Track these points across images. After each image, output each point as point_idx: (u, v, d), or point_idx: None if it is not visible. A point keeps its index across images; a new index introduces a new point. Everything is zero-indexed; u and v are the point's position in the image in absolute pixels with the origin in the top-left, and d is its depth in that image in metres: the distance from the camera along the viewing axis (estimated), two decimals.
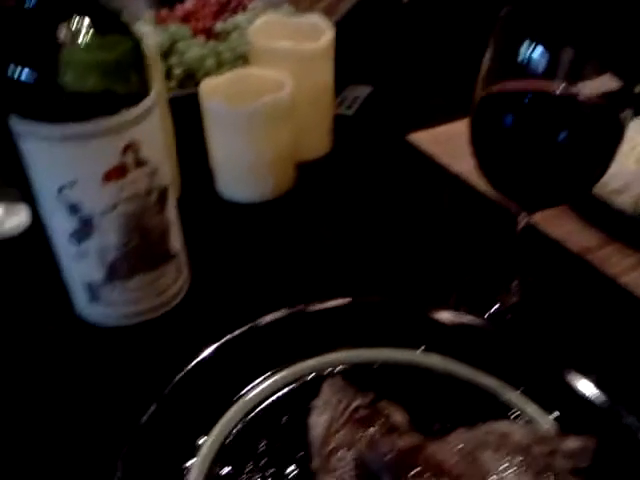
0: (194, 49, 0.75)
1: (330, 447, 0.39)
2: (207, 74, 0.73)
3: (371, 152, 0.77)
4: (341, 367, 0.46)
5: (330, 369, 0.46)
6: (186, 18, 0.85)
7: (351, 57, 0.80)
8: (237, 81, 0.66)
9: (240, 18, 0.82)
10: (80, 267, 0.43)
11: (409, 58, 0.93)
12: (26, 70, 0.36)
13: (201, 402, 0.43)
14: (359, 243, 0.62)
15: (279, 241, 0.62)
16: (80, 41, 0.36)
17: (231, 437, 0.42)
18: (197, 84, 0.71)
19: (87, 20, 0.36)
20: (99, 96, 0.37)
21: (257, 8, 0.86)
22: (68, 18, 0.36)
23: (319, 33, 0.68)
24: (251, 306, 0.50)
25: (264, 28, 0.70)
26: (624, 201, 0.60)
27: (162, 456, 0.40)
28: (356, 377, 0.44)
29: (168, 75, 0.74)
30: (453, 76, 0.88)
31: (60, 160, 0.38)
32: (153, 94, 0.40)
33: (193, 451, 0.41)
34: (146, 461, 0.39)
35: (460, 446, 0.37)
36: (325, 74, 0.70)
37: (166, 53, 0.75)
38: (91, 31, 0.36)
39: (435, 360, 0.46)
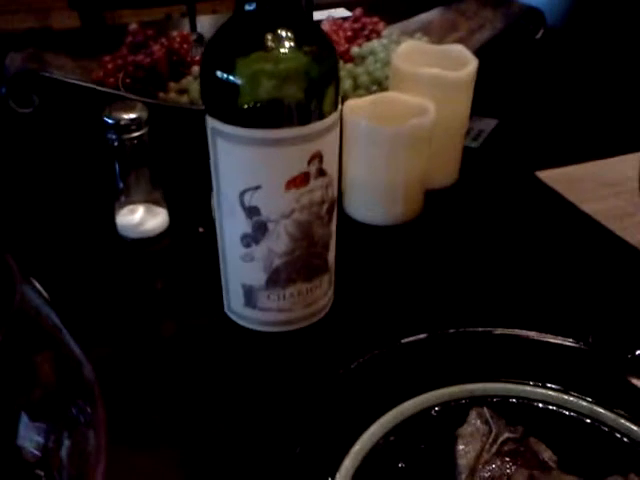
0: None
1: (480, 477, 0.39)
2: (343, 96, 0.75)
3: (497, 185, 0.76)
4: (484, 396, 0.46)
5: (469, 399, 0.46)
6: None
7: (479, 89, 0.80)
8: (379, 104, 0.67)
9: (376, 43, 0.84)
10: (243, 270, 0.44)
11: (537, 93, 0.92)
12: (228, 74, 0.38)
13: (343, 418, 0.43)
14: (488, 274, 0.61)
15: (410, 264, 0.63)
16: (286, 51, 0.38)
17: (369, 456, 0.42)
18: None
19: (291, 32, 0.38)
20: (294, 106, 0.39)
21: (392, 35, 0.88)
22: (278, 28, 0.38)
23: (462, 62, 0.69)
24: (389, 326, 0.50)
25: (407, 54, 0.71)
26: None
27: (305, 470, 0.40)
28: (502, 411, 0.44)
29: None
30: (580, 116, 0.87)
31: (249, 164, 0.40)
32: (340, 107, 0.41)
33: (336, 467, 0.41)
34: (290, 474, 0.39)
35: None
36: (464, 104, 0.70)
37: None
38: (294, 43, 0.38)
39: (582, 404, 0.45)
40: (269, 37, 0.38)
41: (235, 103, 0.39)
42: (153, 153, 0.64)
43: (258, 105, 0.38)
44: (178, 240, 0.65)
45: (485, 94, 0.90)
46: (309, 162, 0.40)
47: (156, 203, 0.66)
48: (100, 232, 0.65)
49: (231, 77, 0.38)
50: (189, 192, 0.69)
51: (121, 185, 0.63)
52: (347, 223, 0.68)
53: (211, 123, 0.40)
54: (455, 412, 0.44)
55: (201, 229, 0.53)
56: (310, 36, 0.40)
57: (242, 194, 0.40)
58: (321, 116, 0.39)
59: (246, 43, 0.39)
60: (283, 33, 0.38)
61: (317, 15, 1.11)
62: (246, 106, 0.39)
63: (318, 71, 0.39)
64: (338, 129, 0.42)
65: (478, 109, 0.89)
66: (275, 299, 0.45)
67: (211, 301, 0.50)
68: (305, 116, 0.39)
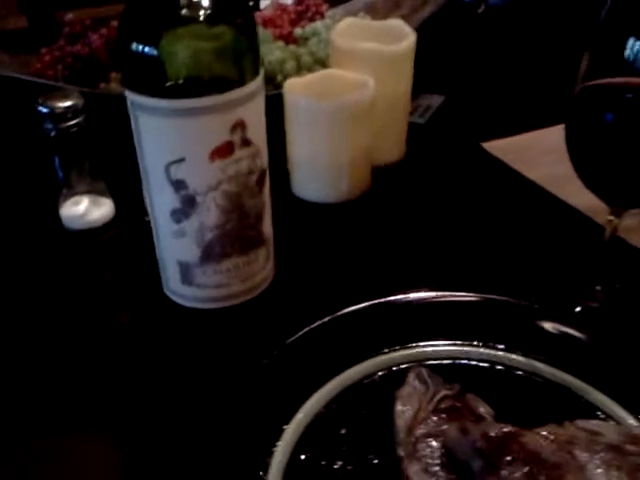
0: (275, 52, 0.77)
1: (416, 435, 0.39)
2: (287, 77, 0.75)
3: (444, 159, 0.77)
4: (424, 361, 0.46)
5: (412, 363, 0.46)
6: (265, 25, 0.87)
7: (424, 66, 0.81)
8: (320, 81, 0.67)
9: (318, 24, 0.84)
10: (177, 246, 0.44)
11: (482, 68, 0.93)
12: (144, 47, 0.38)
13: (285, 388, 0.43)
14: (433, 245, 0.62)
15: (356, 240, 0.63)
16: (198, 22, 0.38)
17: (314, 424, 0.43)
18: (275, 87, 0.73)
19: (208, 2, 0.38)
20: (212, 75, 0.39)
21: (335, 16, 0.88)
22: (191, 1, 0.38)
23: (400, 37, 0.69)
24: (331, 299, 0.50)
25: (346, 31, 0.71)
26: None
27: (248, 440, 0.40)
28: (439, 371, 0.44)
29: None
30: (523, 87, 0.88)
31: (170, 136, 0.39)
32: (260, 77, 0.41)
33: (277, 436, 0.41)
34: (232, 444, 0.40)
35: (553, 438, 0.37)
36: (404, 79, 0.71)
37: None
38: (210, 13, 0.38)
39: (519, 359, 0.46)
40: (184, 8, 0.38)
41: (152, 75, 0.39)
42: (94, 144, 0.63)
43: (176, 76, 0.38)
44: (124, 229, 0.64)
45: (431, 71, 0.91)
46: (232, 131, 0.40)
47: (100, 194, 0.65)
48: (45, 225, 0.64)
49: (147, 50, 0.38)
50: (134, 181, 0.69)
51: (62, 176, 0.63)
52: (295, 203, 0.68)
53: (130, 97, 0.40)
54: (396, 376, 0.45)
55: (147, 218, 0.53)
56: (226, 5, 0.40)
57: (167, 168, 0.40)
58: (241, 83, 0.39)
59: (160, 15, 0.38)
60: (198, 3, 0.38)
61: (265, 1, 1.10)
62: (164, 77, 0.38)
63: (234, 39, 0.39)
64: (261, 97, 0.42)
65: (425, 86, 0.90)
66: (211, 274, 0.45)
67: (152, 283, 0.50)
68: (224, 84, 0.39)
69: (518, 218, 0.66)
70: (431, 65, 0.89)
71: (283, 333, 0.46)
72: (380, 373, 0.46)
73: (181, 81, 0.38)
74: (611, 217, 0.48)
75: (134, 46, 0.38)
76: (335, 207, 0.67)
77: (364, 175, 0.69)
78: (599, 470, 0.36)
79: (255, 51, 0.41)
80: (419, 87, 0.88)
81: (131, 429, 0.44)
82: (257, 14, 0.90)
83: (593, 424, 0.40)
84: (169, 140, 0.40)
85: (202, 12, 0.38)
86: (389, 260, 0.60)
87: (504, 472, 0.34)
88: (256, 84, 0.41)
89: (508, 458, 0.35)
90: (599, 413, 0.43)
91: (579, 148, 0.45)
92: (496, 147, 0.77)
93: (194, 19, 0.38)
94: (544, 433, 0.37)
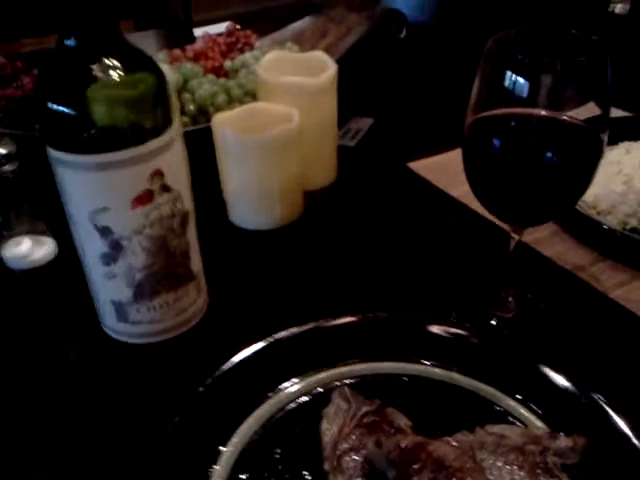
0: (205, 86, 0.80)
1: (340, 450, 0.43)
2: (218, 110, 0.78)
3: (374, 180, 0.81)
4: (349, 380, 0.50)
5: (338, 382, 0.49)
6: (197, 58, 0.90)
7: (353, 91, 0.85)
8: (247, 115, 0.70)
9: (247, 56, 0.87)
10: (109, 287, 0.47)
11: (407, 91, 0.97)
12: (62, 106, 0.40)
13: (221, 413, 0.46)
14: (364, 264, 0.66)
15: (290, 265, 0.66)
16: (110, 79, 0.41)
17: (249, 445, 0.45)
18: (209, 120, 0.76)
19: (116, 60, 0.41)
20: (127, 128, 0.42)
21: (263, 47, 0.91)
22: (99, 58, 0.41)
23: (323, 68, 0.73)
24: (265, 325, 0.53)
25: (271, 64, 0.74)
26: (612, 221, 0.64)
27: (187, 463, 0.43)
28: (363, 388, 0.48)
29: (182, 111, 0.79)
30: (448, 107, 0.93)
31: (93, 187, 0.42)
32: (175, 125, 0.44)
33: (215, 458, 0.44)
34: (172, 468, 0.42)
35: (457, 445, 0.40)
36: (329, 107, 0.74)
37: (179, 90, 0.80)
38: (119, 69, 0.41)
39: (437, 371, 0.50)
40: (96, 67, 0.40)
41: (69, 132, 0.41)
42: (32, 185, 0.65)
43: (92, 132, 0.41)
44: (66, 267, 0.66)
45: (360, 95, 0.96)
46: (150, 180, 0.43)
47: (41, 233, 0.67)
48: None
49: (62, 108, 0.40)
50: None
51: (0, 220, 0.64)
52: (231, 230, 0.71)
53: (51, 153, 0.42)
54: (323, 396, 0.48)
55: None
56: (135, 61, 0.43)
57: (92, 216, 0.43)
58: (155, 135, 0.42)
59: (74, 75, 0.41)
60: (108, 62, 0.41)
61: (197, 32, 1.13)
62: (80, 134, 0.41)
63: (145, 93, 0.42)
64: (178, 145, 0.45)
65: (355, 110, 0.95)
66: (145, 311, 0.48)
67: (92, 320, 0.52)
68: (139, 137, 0.42)
69: (443, 234, 0.70)
70: (359, 89, 0.94)
71: (216, 361, 0.49)
72: (308, 395, 0.49)
73: (95, 136, 0.41)
74: (512, 234, 0.52)
75: (50, 105, 0.41)
76: (269, 233, 0.70)
77: (296, 201, 0.73)
78: (501, 470, 0.40)
79: (167, 102, 0.43)
80: (349, 111, 0.92)
81: (72, 460, 0.46)
82: (189, 47, 0.93)
83: (501, 428, 0.44)
84: (91, 191, 0.42)
85: (114, 70, 0.41)
86: (320, 284, 0.63)
87: (414, 479, 0.38)
88: (170, 134, 0.44)
89: (416, 466, 0.38)
90: (509, 418, 0.46)
91: (474, 173, 0.49)
92: (421, 167, 0.81)
93: (107, 75, 0.41)
94: (450, 440, 0.41)
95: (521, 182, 0.47)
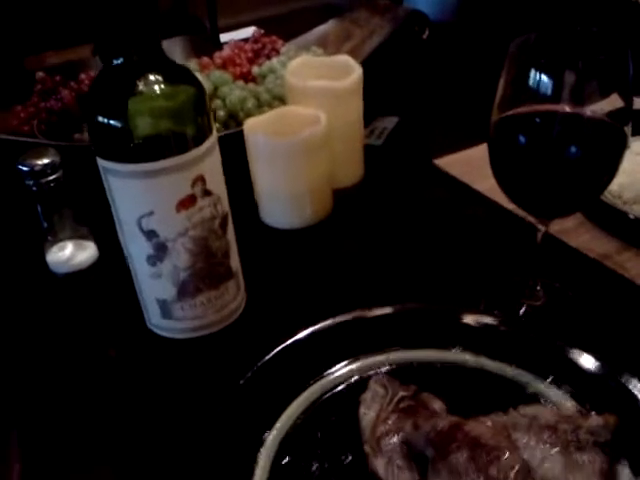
0: (236, 92, 0.82)
1: (379, 433, 0.45)
2: (248, 115, 0.81)
3: (400, 177, 0.83)
4: (385, 367, 0.52)
5: (375, 370, 0.52)
6: (225, 65, 0.93)
7: (378, 92, 0.87)
8: (277, 119, 0.73)
9: (274, 62, 0.90)
10: (154, 286, 0.50)
11: (431, 90, 0.99)
12: (109, 119, 0.44)
13: (263, 402, 0.49)
14: (394, 258, 0.68)
15: (321, 261, 0.69)
16: (153, 92, 0.44)
17: (291, 431, 0.48)
18: (239, 124, 0.79)
19: (158, 74, 0.44)
20: (170, 138, 0.45)
21: (289, 52, 0.94)
22: (143, 73, 0.44)
23: (348, 71, 0.75)
24: (301, 319, 0.55)
25: (298, 69, 0.77)
26: (638, 210, 0.65)
27: (233, 450, 0.45)
28: (398, 375, 0.50)
29: (213, 118, 0.82)
30: (471, 104, 0.94)
31: (140, 193, 0.45)
32: (214, 133, 0.47)
33: (259, 445, 0.46)
34: (219, 456, 0.45)
35: (492, 425, 0.42)
36: (355, 108, 0.77)
37: (210, 97, 0.83)
38: (161, 83, 0.44)
39: (469, 358, 0.52)
40: (140, 82, 0.43)
41: (118, 143, 0.44)
42: (75, 192, 0.68)
43: (139, 142, 0.44)
44: (108, 270, 0.69)
45: (385, 95, 0.98)
46: (193, 185, 0.46)
47: (83, 238, 0.70)
48: (33, 272, 0.69)
49: (112, 122, 0.44)
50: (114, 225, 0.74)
51: (45, 226, 0.68)
52: (263, 230, 0.74)
53: (101, 163, 0.45)
54: (360, 384, 0.50)
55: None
56: (174, 74, 0.46)
57: (139, 220, 0.46)
58: (197, 144, 0.45)
59: (120, 90, 0.44)
60: (152, 78, 0.44)
61: (223, 37, 1.16)
62: (129, 144, 0.44)
63: (185, 105, 0.45)
64: (217, 152, 0.48)
65: (380, 109, 0.97)
66: (187, 309, 0.51)
67: (137, 319, 0.55)
68: (182, 146, 0.45)
69: (470, 228, 0.72)
70: (384, 90, 0.96)
71: (257, 354, 0.51)
72: (345, 383, 0.51)
73: (143, 146, 0.44)
74: (539, 226, 0.54)
75: (99, 118, 0.44)
76: (300, 232, 0.73)
77: (325, 200, 0.75)
78: (535, 448, 0.42)
79: (206, 111, 0.46)
80: (374, 111, 0.94)
81: (125, 455, 0.49)
82: (216, 55, 0.96)
83: (533, 409, 0.46)
84: (138, 197, 0.45)
85: (156, 84, 0.44)
86: (353, 278, 0.66)
87: (452, 457, 0.40)
88: (211, 142, 0.46)
89: (454, 445, 0.40)
90: (541, 400, 0.48)
91: (501, 169, 0.51)
92: (446, 163, 0.83)
93: (150, 90, 0.44)
94: (485, 420, 0.43)
95: (547, 176, 0.49)
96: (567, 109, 0.47)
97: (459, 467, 0.39)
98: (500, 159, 0.51)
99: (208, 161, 0.46)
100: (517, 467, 0.39)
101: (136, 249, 0.48)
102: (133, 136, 0.44)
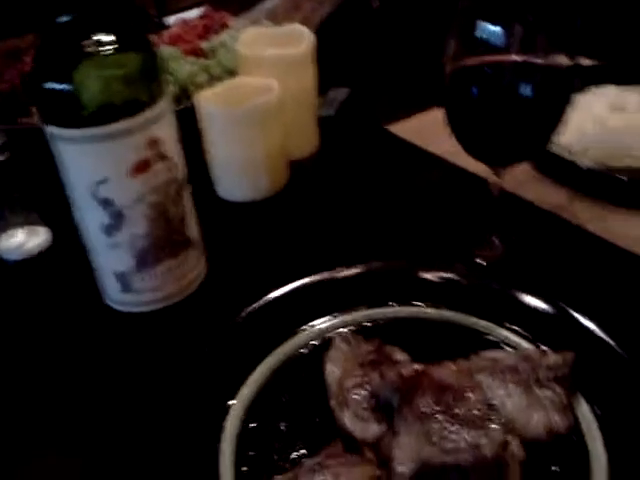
0: (186, 67, 0.81)
1: (345, 388, 0.45)
2: (199, 89, 0.80)
3: (355, 145, 0.84)
4: (349, 327, 0.52)
5: (338, 330, 0.52)
6: (173, 42, 0.92)
7: (329, 63, 0.87)
8: (229, 90, 0.72)
9: (225, 36, 0.89)
10: (112, 258, 0.49)
11: (382, 59, 1.00)
12: (56, 84, 0.43)
13: (227, 369, 0.48)
14: (354, 222, 0.68)
15: (281, 231, 0.69)
16: (102, 56, 0.43)
17: (258, 395, 0.48)
18: (190, 99, 0.78)
19: (108, 36, 0.43)
20: (122, 102, 0.44)
21: (239, 26, 0.93)
22: (92, 35, 0.43)
23: (300, 40, 0.75)
24: (261, 287, 0.55)
25: (251, 40, 0.76)
26: (586, 161, 0.67)
27: (201, 418, 0.45)
28: (364, 333, 0.50)
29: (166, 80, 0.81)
30: (421, 71, 0.95)
31: (92, 159, 0.44)
32: (167, 97, 0.46)
33: (225, 412, 0.46)
34: (188, 423, 0.45)
35: (455, 368, 0.43)
36: (308, 77, 0.77)
37: None
38: (112, 45, 0.43)
39: (431, 311, 0.53)
40: (88, 44, 0.43)
41: (68, 108, 0.43)
42: (23, 177, 0.67)
43: (90, 106, 0.43)
44: (62, 254, 0.68)
45: (337, 66, 0.98)
46: (147, 148, 0.45)
47: (34, 223, 0.69)
48: None
49: (60, 86, 0.43)
50: (66, 207, 0.73)
51: None
52: (221, 204, 0.74)
53: (50, 129, 0.44)
54: (324, 344, 0.51)
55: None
56: (127, 38, 0.45)
57: (93, 189, 0.45)
58: (149, 105, 0.45)
59: (67, 53, 0.43)
60: (100, 38, 0.43)
61: (171, 19, 1.14)
62: (79, 109, 0.43)
63: (138, 70, 0.44)
64: (171, 115, 0.47)
65: (332, 81, 0.97)
66: (148, 279, 0.50)
67: (93, 297, 0.55)
68: (133, 109, 0.44)
69: (427, 189, 0.73)
70: (335, 60, 0.96)
71: (219, 322, 0.51)
72: (311, 345, 0.51)
73: (92, 110, 0.43)
74: (494, 177, 0.55)
75: (48, 84, 0.43)
76: (258, 204, 0.73)
77: (281, 171, 0.75)
78: (498, 388, 0.43)
79: (159, 73, 0.46)
80: (326, 82, 0.94)
81: (93, 433, 0.49)
82: (165, 32, 0.95)
83: (494, 353, 0.47)
84: (91, 164, 0.45)
85: (107, 45, 0.43)
86: (314, 245, 0.66)
87: (417, 402, 0.41)
88: (164, 103, 0.46)
89: (419, 390, 0.41)
90: (502, 345, 0.49)
91: (456, 119, 0.52)
92: (400, 129, 0.84)
93: (100, 52, 0.43)
94: (449, 364, 0.44)
95: (499, 123, 0.50)
96: (517, 58, 0.48)
97: (425, 410, 0.40)
98: (454, 109, 0.52)
99: (161, 124, 0.46)
100: (481, 405, 0.40)
101: (91, 220, 0.48)
102: (82, 102, 0.43)
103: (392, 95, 0.93)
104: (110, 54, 0.44)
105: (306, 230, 0.69)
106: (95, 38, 0.43)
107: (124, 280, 0.50)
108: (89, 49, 0.43)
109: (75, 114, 0.44)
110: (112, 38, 0.44)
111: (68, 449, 0.49)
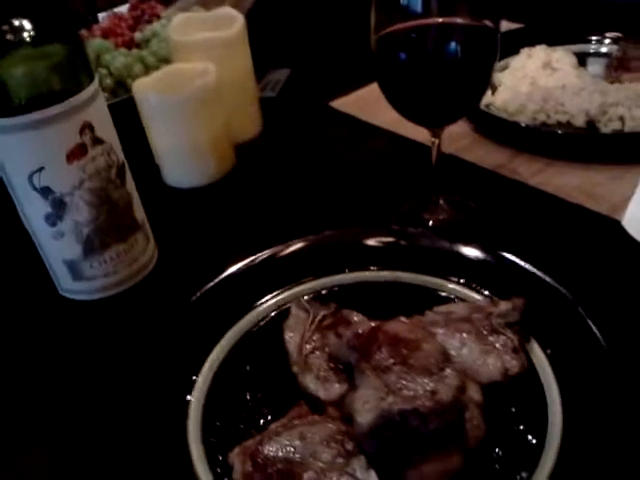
0: (120, 59, 0.80)
1: (305, 352, 0.46)
2: (135, 80, 0.79)
3: (300, 123, 0.84)
4: (305, 297, 0.53)
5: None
6: (105, 35, 0.90)
7: (266, 45, 0.87)
8: (166, 77, 0.72)
9: (156, 25, 0.88)
10: (59, 247, 0.49)
11: (318, 37, 1.00)
12: None
13: (188, 347, 0.48)
14: (304, 197, 0.69)
15: (231, 212, 0.69)
16: (27, 45, 0.42)
17: (220, 369, 0.48)
18: (128, 90, 0.77)
19: (32, 24, 0.42)
20: (51, 89, 0.43)
21: (170, 15, 0.92)
22: (20, 27, 0.42)
23: (232, 22, 0.75)
24: (214, 267, 0.55)
25: (182, 26, 0.76)
26: (523, 119, 0.69)
27: (166, 394, 0.45)
28: (321, 300, 0.51)
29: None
30: (357, 46, 0.96)
31: (26, 149, 0.43)
32: (96, 80, 0.46)
33: (191, 387, 0.46)
34: (153, 401, 0.45)
35: (409, 322, 0.44)
36: (243, 58, 0.76)
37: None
38: (39, 38, 0.43)
39: (383, 274, 0.53)
40: (16, 36, 0.42)
41: None
42: None
43: (18, 96, 0.42)
44: (8, 248, 0.66)
45: (274, 47, 0.98)
46: (81, 133, 0.44)
47: None
48: None
49: None
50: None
51: None
52: (169, 192, 0.73)
53: None
54: (282, 314, 0.51)
55: None
56: (50, 24, 0.44)
57: (30, 178, 0.44)
58: (78, 90, 0.44)
59: None
60: (25, 28, 0.42)
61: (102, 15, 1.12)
62: (6, 98, 0.42)
63: (65, 53, 0.43)
64: (101, 99, 0.47)
65: (271, 62, 0.97)
66: (97, 266, 0.50)
67: (48, 289, 0.54)
68: (62, 94, 0.43)
69: (372, 159, 0.74)
70: (271, 42, 0.95)
71: (176, 302, 0.51)
72: (269, 317, 0.52)
73: (21, 98, 0.42)
74: (432, 139, 0.56)
75: None
76: (205, 189, 0.72)
77: (226, 154, 0.75)
78: (452, 338, 0.44)
79: (86, 59, 0.45)
80: (266, 64, 0.94)
81: (58, 420, 0.48)
82: (96, 27, 0.93)
83: (447, 307, 0.48)
84: (25, 153, 0.44)
85: (32, 36, 0.42)
86: (265, 223, 0.66)
87: (375, 356, 0.41)
88: (93, 87, 0.45)
89: (375, 345, 0.42)
90: (454, 299, 0.51)
91: (387, 86, 0.53)
92: (342, 104, 0.84)
93: (26, 44, 0.42)
94: (403, 319, 0.44)
95: (430, 84, 0.51)
96: (439, 20, 0.49)
97: (382, 363, 0.40)
98: (384, 76, 0.53)
99: (93, 107, 0.45)
100: (437, 355, 0.41)
101: (33, 210, 0.47)
102: (9, 93, 0.42)
103: (332, 73, 0.94)
104: (36, 45, 0.43)
105: (257, 210, 0.69)
106: (20, 29, 0.42)
107: (74, 268, 0.50)
108: (14, 40, 0.42)
109: (5, 104, 0.43)
110: (37, 29, 0.43)
111: (31, 439, 0.48)
